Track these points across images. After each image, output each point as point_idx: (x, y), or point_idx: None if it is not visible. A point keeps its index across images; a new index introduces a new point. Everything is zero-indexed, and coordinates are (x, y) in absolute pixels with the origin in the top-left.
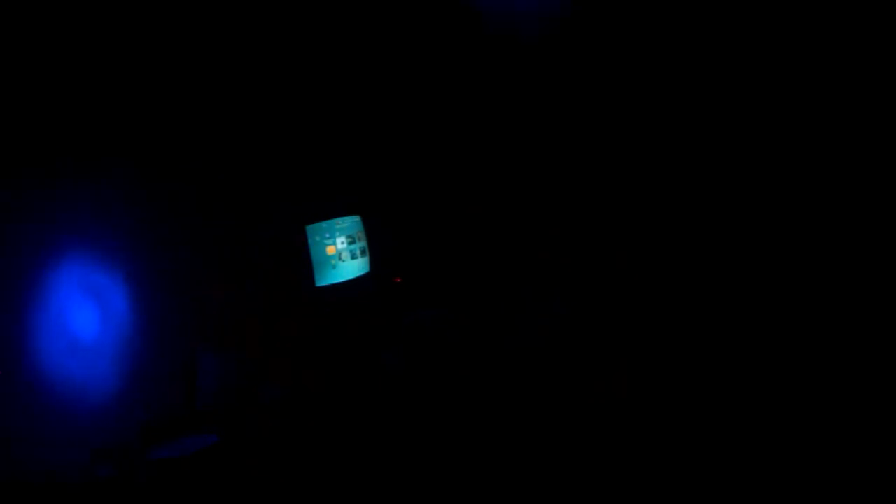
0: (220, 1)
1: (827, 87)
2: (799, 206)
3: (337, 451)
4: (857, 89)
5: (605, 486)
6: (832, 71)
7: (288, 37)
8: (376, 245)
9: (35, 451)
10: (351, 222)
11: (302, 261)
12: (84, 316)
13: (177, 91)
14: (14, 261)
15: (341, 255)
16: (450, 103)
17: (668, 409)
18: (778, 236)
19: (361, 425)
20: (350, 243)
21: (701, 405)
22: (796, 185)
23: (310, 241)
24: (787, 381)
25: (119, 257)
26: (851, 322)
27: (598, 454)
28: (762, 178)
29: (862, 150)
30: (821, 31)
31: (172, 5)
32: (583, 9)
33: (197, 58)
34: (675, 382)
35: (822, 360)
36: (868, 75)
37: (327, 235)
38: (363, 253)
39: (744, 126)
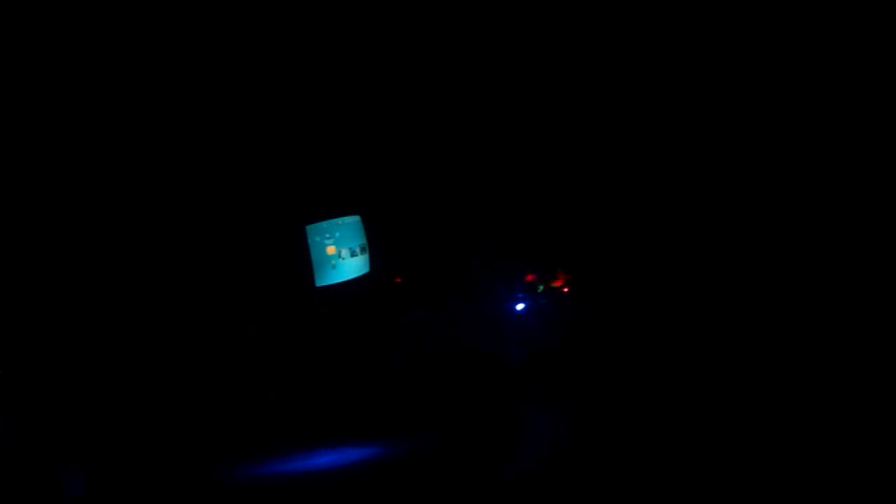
0: (222, 2)
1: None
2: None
3: (338, 451)
4: (856, 90)
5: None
6: (829, 72)
7: (289, 37)
8: (377, 246)
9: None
10: (351, 222)
11: (302, 261)
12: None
13: (177, 91)
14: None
15: (341, 252)
16: (451, 105)
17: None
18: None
19: (362, 423)
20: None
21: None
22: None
23: (310, 241)
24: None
25: (119, 258)
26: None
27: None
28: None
29: (858, 152)
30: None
31: (173, 6)
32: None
33: (197, 58)
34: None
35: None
36: (868, 76)
37: (327, 235)
38: (363, 250)
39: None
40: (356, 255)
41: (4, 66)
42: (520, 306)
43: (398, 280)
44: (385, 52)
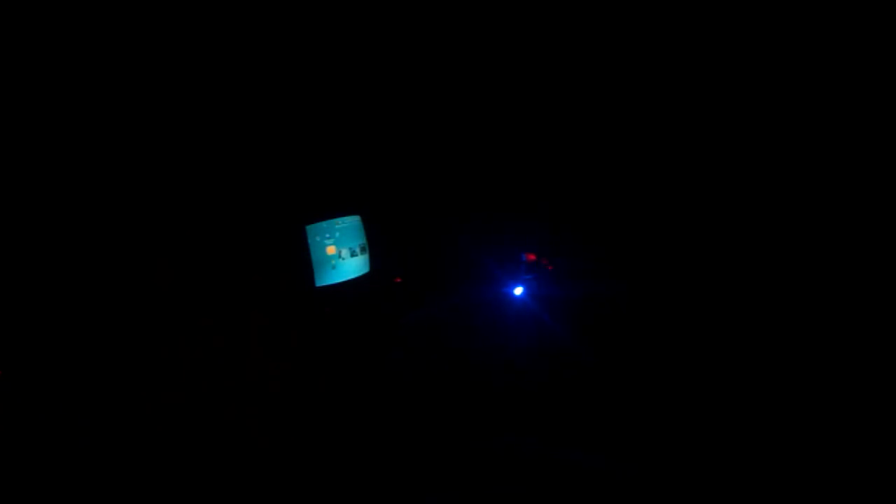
0: (220, 0)
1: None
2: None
3: (340, 453)
4: (856, 90)
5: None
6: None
7: (288, 36)
8: (376, 246)
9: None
10: (351, 222)
11: (302, 261)
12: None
13: (175, 90)
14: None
15: (341, 252)
16: (452, 104)
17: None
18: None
19: (365, 426)
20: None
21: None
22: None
23: (310, 241)
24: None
25: (119, 258)
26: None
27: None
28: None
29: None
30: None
31: (170, 5)
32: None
33: (195, 55)
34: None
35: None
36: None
37: (327, 235)
38: (363, 250)
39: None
40: (356, 255)
41: (4, 66)
42: (518, 290)
43: (398, 280)
44: (385, 53)
